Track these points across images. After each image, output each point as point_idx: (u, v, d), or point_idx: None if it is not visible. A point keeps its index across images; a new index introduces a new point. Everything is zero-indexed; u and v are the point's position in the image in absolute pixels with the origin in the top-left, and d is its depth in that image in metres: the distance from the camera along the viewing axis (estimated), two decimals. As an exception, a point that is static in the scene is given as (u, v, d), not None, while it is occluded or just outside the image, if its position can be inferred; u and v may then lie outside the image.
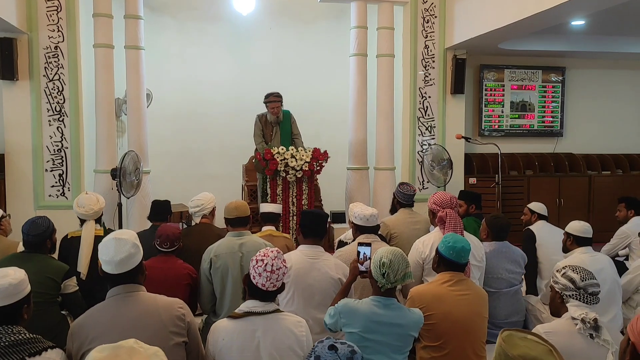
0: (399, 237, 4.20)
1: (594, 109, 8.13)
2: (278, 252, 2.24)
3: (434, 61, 6.84)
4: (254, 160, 5.42)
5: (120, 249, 2.08)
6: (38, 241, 3.16)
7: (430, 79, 6.85)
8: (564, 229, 3.73)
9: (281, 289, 2.26)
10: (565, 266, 2.38)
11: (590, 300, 2.28)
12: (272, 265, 2.18)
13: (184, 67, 7.20)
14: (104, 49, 5.86)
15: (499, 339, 1.54)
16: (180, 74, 7.18)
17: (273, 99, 5.58)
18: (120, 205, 5.18)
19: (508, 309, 3.53)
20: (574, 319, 2.23)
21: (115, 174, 4.92)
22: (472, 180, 7.07)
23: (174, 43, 7.18)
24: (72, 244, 3.57)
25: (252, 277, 2.20)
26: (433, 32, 6.80)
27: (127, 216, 5.85)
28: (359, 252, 2.79)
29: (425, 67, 6.84)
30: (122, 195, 5.01)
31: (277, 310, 2.23)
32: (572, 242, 3.64)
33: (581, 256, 3.51)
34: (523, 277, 3.74)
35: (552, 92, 7.90)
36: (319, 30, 7.46)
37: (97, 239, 3.51)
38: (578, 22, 6.33)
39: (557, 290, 2.35)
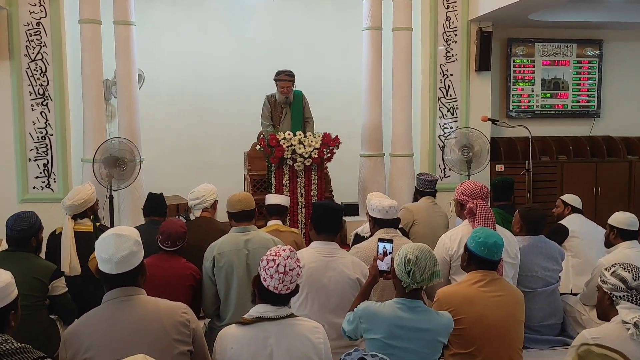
0: (419, 225, 4.35)
1: (634, 87, 7.99)
2: (291, 251, 2.21)
3: (456, 35, 6.73)
4: (257, 147, 5.39)
5: (120, 246, 2.06)
6: (23, 237, 3.16)
7: (453, 55, 6.75)
8: (600, 220, 3.69)
9: (295, 291, 2.23)
10: (615, 264, 2.34)
11: (643, 302, 2.23)
12: (285, 266, 2.14)
13: (178, 45, 7.12)
14: (90, 24, 5.78)
15: (574, 356, 1.45)
16: (174, 52, 7.10)
17: (283, 77, 5.60)
18: (111, 197, 5.16)
19: (544, 311, 3.50)
20: (625, 323, 2.18)
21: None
22: (500, 167, 6.99)
23: (168, 18, 7.10)
24: (60, 240, 3.56)
25: (262, 279, 2.17)
26: (455, 2, 6.69)
27: (119, 210, 5.83)
28: (378, 247, 2.75)
29: (446, 42, 6.73)
30: (106, 188, 5.01)
31: (291, 315, 2.20)
32: (615, 236, 3.62)
33: (626, 251, 3.49)
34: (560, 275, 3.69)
35: (588, 68, 7.77)
36: (328, 2, 7.36)
37: (85, 236, 3.55)
38: (618, -11, 6.22)
39: (606, 290, 2.31)
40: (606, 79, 7.88)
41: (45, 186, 6.03)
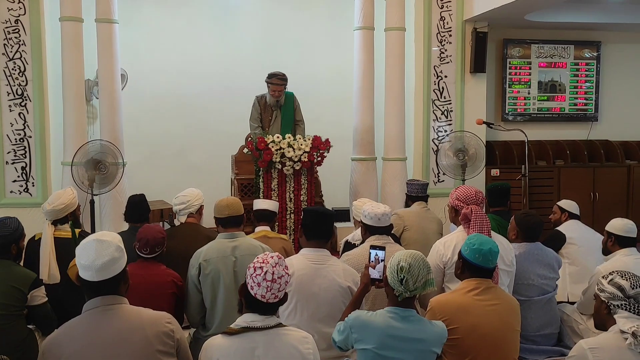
0: (410, 230, 4.42)
1: (633, 90, 8.07)
2: (279, 258, 2.22)
3: (450, 35, 6.78)
4: (245, 150, 5.38)
5: (102, 252, 2.06)
6: (2, 244, 3.15)
7: (447, 56, 6.80)
8: (598, 227, 3.72)
9: (283, 300, 2.24)
10: (613, 272, 2.36)
11: (642, 310, 2.26)
12: (273, 274, 2.14)
13: (163, 44, 7.12)
14: (71, 22, 5.77)
15: None
16: (159, 52, 7.11)
17: (276, 81, 5.60)
18: (92, 202, 5.13)
19: (540, 320, 3.52)
20: (623, 332, 2.21)
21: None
22: (495, 172, 7.04)
23: (152, 16, 7.10)
24: (39, 246, 3.54)
25: (249, 287, 2.17)
26: (450, 1, 6.73)
27: (101, 215, 5.81)
28: (370, 254, 2.76)
29: (441, 43, 6.78)
30: (86, 192, 4.99)
31: (280, 325, 2.20)
32: (613, 243, 3.64)
33: (624, 259, 3.51)
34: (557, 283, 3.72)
35: (586, 70, 7.85)
36: (319, 0, 7.39)
37: (65, 242, 3.52)
38: (616, -10, 6.29)
39: (603, 299, 2.32)
40: (604, 81, 7.95)
41: (24, 190, 6.00)
